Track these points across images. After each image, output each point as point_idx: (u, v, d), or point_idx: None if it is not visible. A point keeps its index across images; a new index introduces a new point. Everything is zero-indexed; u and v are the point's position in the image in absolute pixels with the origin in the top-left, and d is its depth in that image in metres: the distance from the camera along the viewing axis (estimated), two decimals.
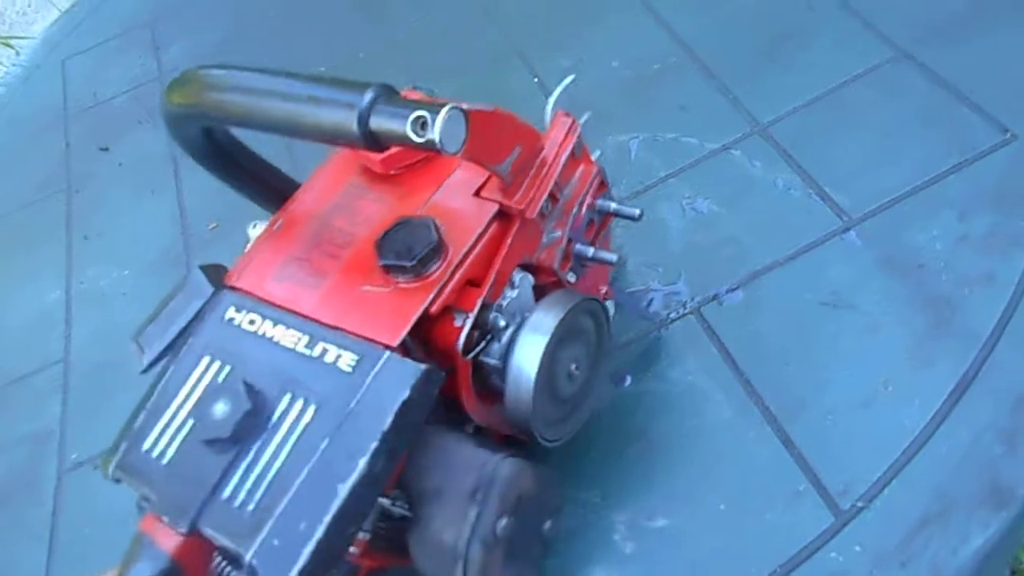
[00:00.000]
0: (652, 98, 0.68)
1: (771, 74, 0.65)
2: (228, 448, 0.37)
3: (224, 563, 0.37)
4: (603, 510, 0.47)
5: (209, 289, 0.43)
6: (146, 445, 0.39)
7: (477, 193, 0.43)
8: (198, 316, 0.42)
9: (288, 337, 0.40)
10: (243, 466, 0.37)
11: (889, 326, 0.50)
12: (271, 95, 0.39)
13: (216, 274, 0.44)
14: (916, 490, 0.44)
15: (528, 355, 0.41)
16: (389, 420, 0.36)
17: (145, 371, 0.42)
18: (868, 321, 0.50)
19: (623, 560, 0.45)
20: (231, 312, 0.41)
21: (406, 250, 0.40)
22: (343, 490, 0.35)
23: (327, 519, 0.35)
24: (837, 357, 0.49)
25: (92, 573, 0.41)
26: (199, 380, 0.40)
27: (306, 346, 0.39)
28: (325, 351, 0.39)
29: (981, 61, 0.60)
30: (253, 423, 0.37)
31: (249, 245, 0.45)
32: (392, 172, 0.45)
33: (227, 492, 0.37)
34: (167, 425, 0.39)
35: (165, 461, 0.38)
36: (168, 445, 0.39)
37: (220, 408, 0.37)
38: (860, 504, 0.44)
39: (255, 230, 0.46)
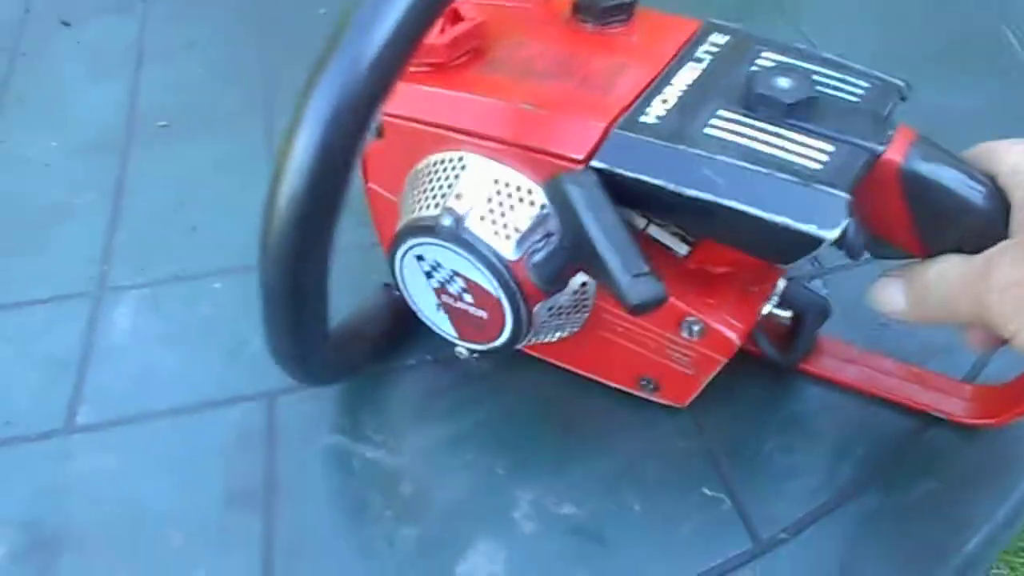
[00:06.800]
0: None
1: None
2: (775, 114, 0.36)
3: None
4: (507, 483, 0.43)
5: None
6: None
7: None
8: None
9: None
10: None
11: None
12: None
13: None
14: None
15: None
16: None
17: None
18: None
19: (520, 538, 0.41)
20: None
21: None
22: None
23: None
24: None
25: None
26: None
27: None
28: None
29: None
30: (804, 111, 0.36)
31: None
32: None
33: None
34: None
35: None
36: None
37: (785, 81, 0.37)
38: (783, 536, 0.41)
39: None
